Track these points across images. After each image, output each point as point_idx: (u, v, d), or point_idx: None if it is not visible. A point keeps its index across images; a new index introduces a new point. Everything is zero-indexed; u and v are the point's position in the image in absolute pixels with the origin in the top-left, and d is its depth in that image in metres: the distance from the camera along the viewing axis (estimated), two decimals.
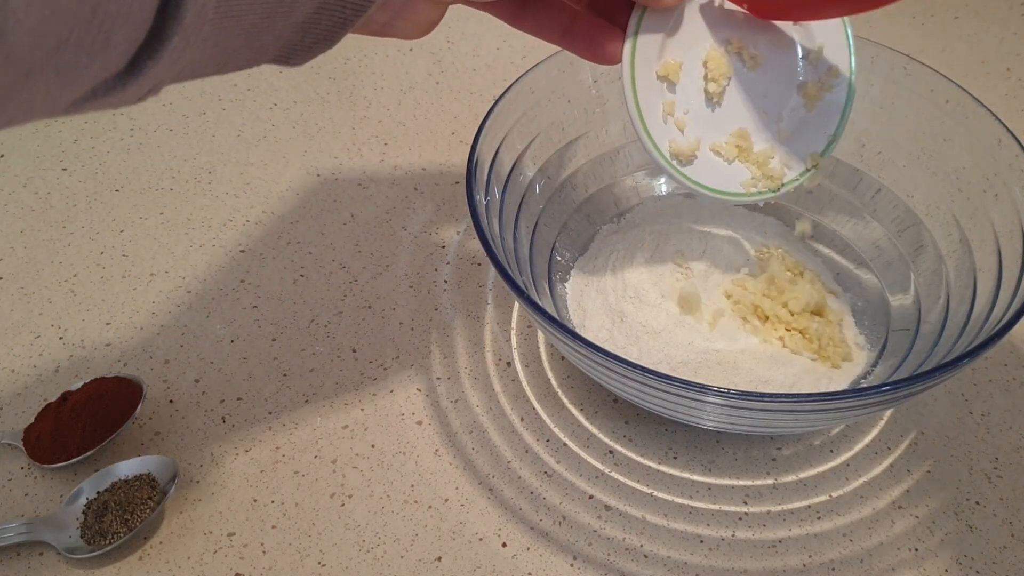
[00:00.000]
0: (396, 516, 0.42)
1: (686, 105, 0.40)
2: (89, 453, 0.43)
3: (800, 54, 0.41)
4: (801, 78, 0.41)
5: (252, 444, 0.45)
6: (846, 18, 0.41)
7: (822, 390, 0.43)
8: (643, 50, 0.38)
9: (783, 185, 0.42)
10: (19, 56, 0.19)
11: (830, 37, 0.41)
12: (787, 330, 0.45)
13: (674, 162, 0.40)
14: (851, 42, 0.42)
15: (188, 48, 0.24)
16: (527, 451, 0.44)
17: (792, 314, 0.45)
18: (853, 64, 0.42)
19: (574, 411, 0.46)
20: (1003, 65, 0.68)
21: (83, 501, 0.41)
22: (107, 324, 0.50)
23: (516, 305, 0.51)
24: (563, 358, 0.48)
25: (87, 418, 0.43)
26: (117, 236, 0.55)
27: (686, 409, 0.39)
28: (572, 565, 0.40)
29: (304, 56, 0.31)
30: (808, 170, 0.42)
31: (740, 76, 0.41)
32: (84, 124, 0.63)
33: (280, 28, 0.28)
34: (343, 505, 0.42)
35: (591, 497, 0.42)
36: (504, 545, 0.41)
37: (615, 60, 0.38)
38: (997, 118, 0.44)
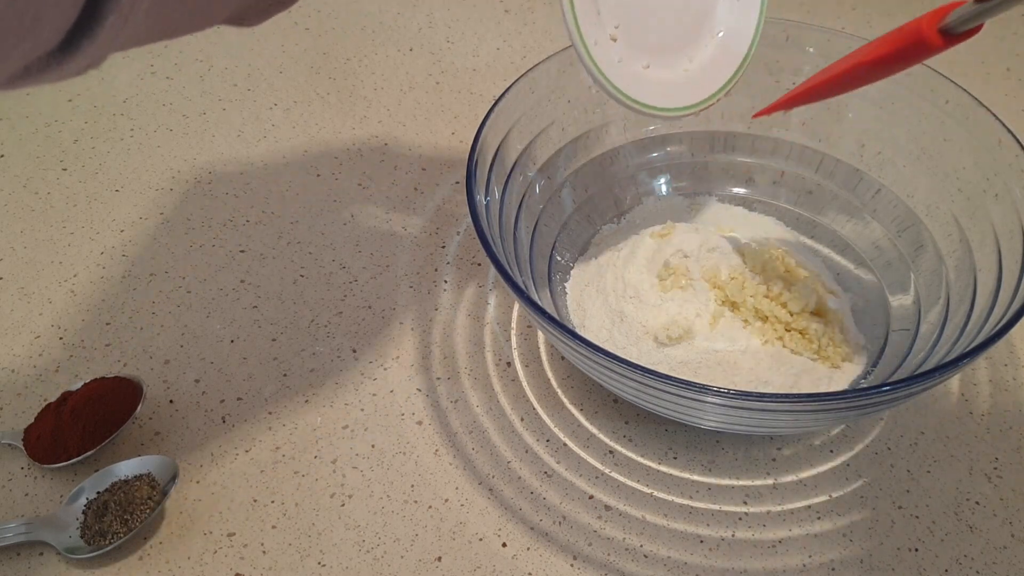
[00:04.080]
0: (396, 516, 0.42)
1: (617, 19, 0.40)
2: (89, 453, 0.43)
3: None
4: None
5: (252, 444, 0.45)
6: None
7: (822, 390, 0.43)
8: None
9: (715, 94, 0.43)
10: None
11: None
12: (787, 330, 0.45)
13: (610, 77, 0.40)
14: None
15: (128, 24, 0.23)
16: (527, 451, 0.44)
17: (792, 314, 0.45)
18: None
19: (574, 411, 0.46)
20: (1003, 65, 0.68)
21: (83, 501, 0.41)
22: (107, 324, 0.50)
23: (516, 305, 0.51)
24: (563, 358, 0.48)
25: (87, 418, 0.43)
26: (117, 236, 0.55)
27: (686, 409, 0.39)
28: (572, 565, 0.40)
29: (257, 18, 0.29)
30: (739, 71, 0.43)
31: None
32: (84, 124, 0.63)
33: None
34: (343, 505, 0.42)
35: (591, 497, 0.42)
36: (504, 545, 0.41)
37: None
38: (997, 118, 0.44)
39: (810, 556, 0.40)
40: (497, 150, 0.46)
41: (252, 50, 0.70)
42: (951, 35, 0.31)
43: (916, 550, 0.40)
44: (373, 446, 0.45)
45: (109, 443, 0.43)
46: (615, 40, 0.40)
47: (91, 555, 0.39)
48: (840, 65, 0.37)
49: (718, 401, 0.36)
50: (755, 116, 0.44)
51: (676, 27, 0.43)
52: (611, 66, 0.40)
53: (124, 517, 0.40)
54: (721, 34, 0.44)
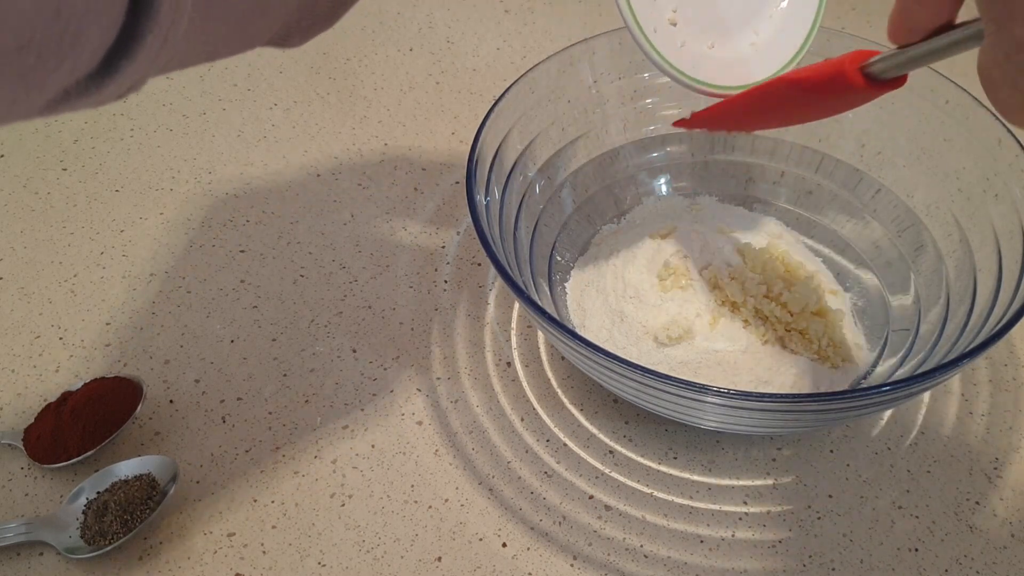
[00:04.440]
0: (396, 516, 0.42)
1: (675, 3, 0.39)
2: (89, 453, 0.43)
3: None
4: None
5: (252, 444, 0.45)
6: None
7: (822, 390, 0.43)
8: None
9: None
10: None
11: None
12: (787, 330, 0.45)
13: (662, 52, 0.39)
14: None
15: (167, 44, 0.22)
16: (527, 451, 0.44)
17: (792, 314, 0.45)
18: None
19: (574, 411, 0.46)
20: None
21: (83, 501, 0.41)
22: (107, 324, 0.50)
23: (516, 305, 0.51)
24: (563, 358, 0.48)
25: (87, 418, 0.43)
26: (117, 236, 0.55)
27: (686, 409, 0.39)
28: (572, 565, 0.40)
29: (301, 38, 0.29)
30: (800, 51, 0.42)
31: None
32: (84, 124, 0.63)
33: (275, 13, 0.26)
34: (343, 505, 0.42)
35: (591, 497, 0.42)
36: (504, 545, 0.41)
37: None
38: (997, 118, 0.44)
39: (810, 556, 0.40)
40: (497, 150, 0.46)
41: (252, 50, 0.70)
42: (875, 80, 0.31)
43: (916, 550, 0.40)
44: (373, 446, 0.45)
45: (109, 443, 0.43)
46: (675, 24, 0.39)
47: (91, 555, 0.39)
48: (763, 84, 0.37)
49: (718, 401, 0.36)
50: (675, 124, 0.43)
51: (737, 1, 0.42)
52: (674, 51, 0.39)
53: (124, 517, 0.40)
54: (785, 2, 0.42)
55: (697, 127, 0.42)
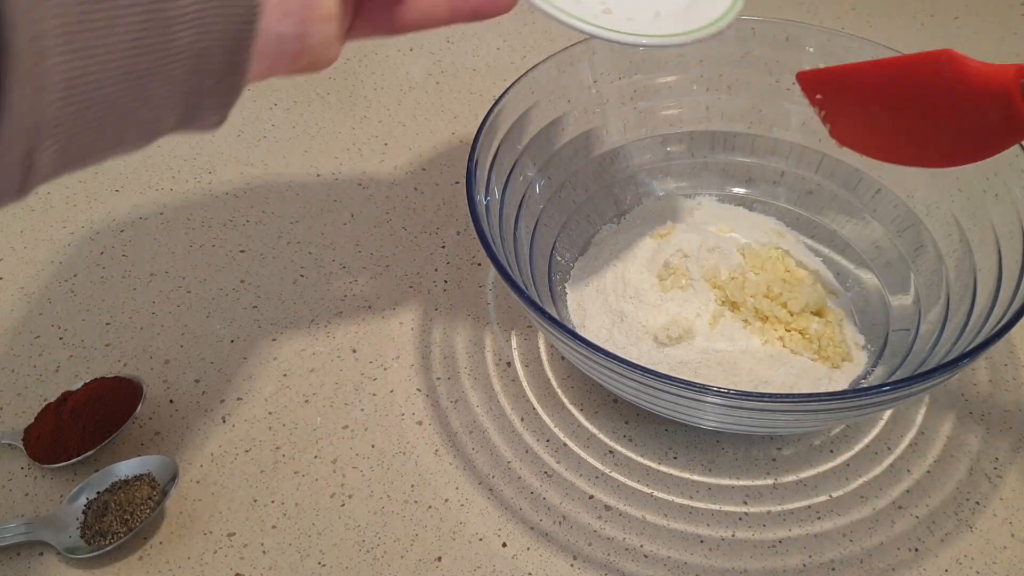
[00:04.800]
0: (396, 516, 0.42)
1: None
2: (89, 453, 0.43)
3: None
4: None
5: (252, 444, 0.45)
6: None
7: (822, 390, 0.43)
8: None
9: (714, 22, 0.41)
10: None
11: None
12: (787, 330, 0.45)
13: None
14: None
15: (44, 92, 0.20)
16: (527, 451, 0.44)
17: (792, 314, 0.45)
18: None
19: (574, 411, 0.46)
20: None
21: (83, 501, 0.41)
22: (107, 324, 0.50)
23: (516, 305, 0.51)
24: (563, 358, 0.48)
25: (87, 418, 0.43)
26: (117, 236, 0.55)
27: (686, 409, 0.39)
28: (572, 565, 0.40)
29: (212, 106, 0.27)
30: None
31: None
32: None
33: (164, 68, 0.23)
34: (343, 505, 0.42)
35: (591, 497, 0.42)
36: (504, 545, 0.41)
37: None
38: None
39: (810, 556, 0.40)
40: (497, 150, 0.46)
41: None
42: None
43: (916, 550, 0.40)
44: (373, 446, 0.45)
45: (109, 443, 0.43)
46: (610, 12, 0.39)
47: (91, 555, 0.39)
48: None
49: (718, 401, 0.36)
50: (799, 74, 0.40)
51: None
52: (627, 25, 0.39)
53: (124, 517, 0.40)
54: None
55: (822, 89, 0.38)
